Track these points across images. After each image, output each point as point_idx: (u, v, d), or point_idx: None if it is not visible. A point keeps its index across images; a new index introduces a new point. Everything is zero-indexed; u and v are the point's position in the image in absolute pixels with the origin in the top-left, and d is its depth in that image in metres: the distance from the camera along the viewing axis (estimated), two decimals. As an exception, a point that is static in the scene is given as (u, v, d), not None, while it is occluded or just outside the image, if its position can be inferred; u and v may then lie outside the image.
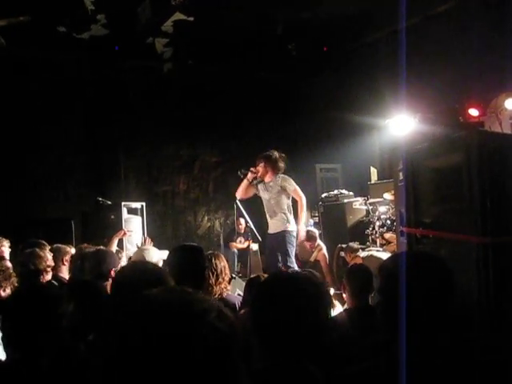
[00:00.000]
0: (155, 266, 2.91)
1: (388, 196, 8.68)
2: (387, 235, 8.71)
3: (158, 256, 4.87)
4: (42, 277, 4.51)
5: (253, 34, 10.05)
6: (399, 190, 5.32)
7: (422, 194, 4.75)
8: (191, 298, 1.13)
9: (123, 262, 6.34)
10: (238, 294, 5.10)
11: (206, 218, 12.91)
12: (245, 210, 8.62)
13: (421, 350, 1.96)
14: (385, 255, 7.64)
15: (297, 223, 7.58)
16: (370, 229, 8.91)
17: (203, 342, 1.05)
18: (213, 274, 4.15)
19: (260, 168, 7.53)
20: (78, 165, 11.31)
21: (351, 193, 10.26)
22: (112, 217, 9.38)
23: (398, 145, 8.07)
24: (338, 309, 4.62)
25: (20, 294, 3.04)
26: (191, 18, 9.00)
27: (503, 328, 3.71)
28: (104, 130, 11.52)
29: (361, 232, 9.26)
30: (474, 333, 3.49)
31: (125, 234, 7.62)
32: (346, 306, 4.56)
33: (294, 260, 7.53)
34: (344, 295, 4.40)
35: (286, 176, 7.64)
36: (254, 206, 8.42)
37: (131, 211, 9.75)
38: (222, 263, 4.31)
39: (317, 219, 10.94)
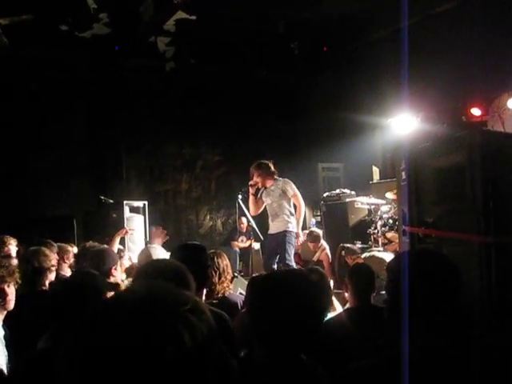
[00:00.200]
0: (176, 263, 2.90)
1: (390, 195, 8.68)
2: (389, 234, 8.71)
3: (163, 254, 4.87)
4: (45, 275, 4.50)
5: (255, 33, 10.05)
6: (401, 190, 5.31)
7: (424, 193, 4.75)
8: (165, 293, 1.04)
9: (126, 261, 6.36)
10: (240, 293, 5.10)
11: (208, 216, 12.91)
12: (246, 209, 8.64)
13: (423, 349, 1.96)
14: (386, 255, 7.65)
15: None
16: (372, 228, 8.91)
17: (175, 340, 0.95)
18: (215, 272, 4.15)
19: (257, 178, 7.78)
20: (80, 164, 11.30)
21: (353, 192, 10.25)
22: (114, 215, 9.40)
23: (401, 144, 8.05)
24: (338, 310, 4.63)
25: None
26: (193, 17, 9.00)
27: (505, 327, 3.71)
28: (106, 128, 11.53)
29: (363, 231, 9.27)
30: (476, 331, 3.49)
31: (127, 232, 7.63)
32: (347, 306, 4.57)
33: (292, 259, 7.67)
34: (346, 294, 4.40)
35: (288, 180, 7.91)
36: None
37: (133, 210, 9.76)
38: (225, 262, 4.32)
39: (319, 218, 10.95)
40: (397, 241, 7.67)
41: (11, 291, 3.56)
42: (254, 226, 8.92)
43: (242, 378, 2.15)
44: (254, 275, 5.36)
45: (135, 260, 6.73)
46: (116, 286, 4.93)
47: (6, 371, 3.20)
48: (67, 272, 5.51)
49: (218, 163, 12.92)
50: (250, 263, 9.13)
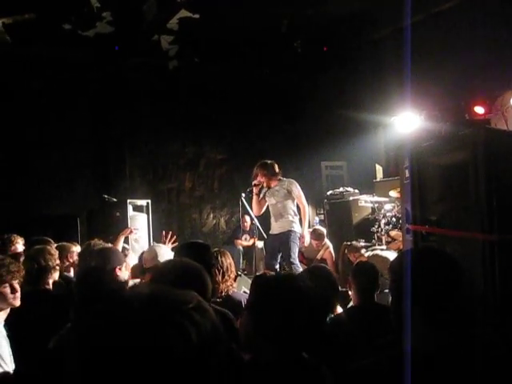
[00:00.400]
0: (192, 262, 2.91)
1: (394, 193, 8.68)
2: (393, 233, 8.71)
3: (169, 254, 4.87)
4: (49, 274, 4.51)
5: (258, 32, 10.04)
6: (405, 188, 5.31)
7: (427, 191, 4.75)
8: (169, 293, 1.06)
9: (130, 260, 6.36)
10: (244, 292, 5.11)
11: (212, 215, 12.92)
12: (250, 208, 8.64)
13: (426, 347, 1.97)
14: (389, 254, 7.66)
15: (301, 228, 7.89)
16: (376, 226, 8.91)
17: (182, 337, 0.97)
18: (219, 271, 4.16)
19: (261, 178, 7.78)
20: (84, 162, 11.32)
21: (356, 190, 10.26)
22: (117, 214, 9.40)
23: (404, 142, 8.05)
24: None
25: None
26: (197, 16, 9.00)
27: (508, 325, 3.71)
28: (109, 127, 11.54)
29: (366, 230, 9.27)
30: (479, 329, 3.49)
31: (131, 231, 7.64)
32: (351, 304, 4.58)
33: (296, 257, 7.69)
34: (350, 293, 4.41)
35: (293, 180, 7.93)
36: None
37: (137, 209, 9.76)
38: (228, 260, 4.33)
39: (322, 217, 10.95)
40: (400, 239, 7.67)
41: (5, 292, 3.55)
42: (258, 224, 8.91)
43: (246, 376, 2.16)
44: (257, 274, 5.37)
45: (136, 260, 6.72)
46: (124, 283, 4.96)
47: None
48: (70, 271, 5.52)
49: (221, 162, 12.92)
50: (253, 261, 9.12)
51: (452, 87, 8.79)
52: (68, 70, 10.53)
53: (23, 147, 10.44)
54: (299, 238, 7.79)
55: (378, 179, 10.97)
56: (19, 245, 6.16)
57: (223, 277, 4.20)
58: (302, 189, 8.02)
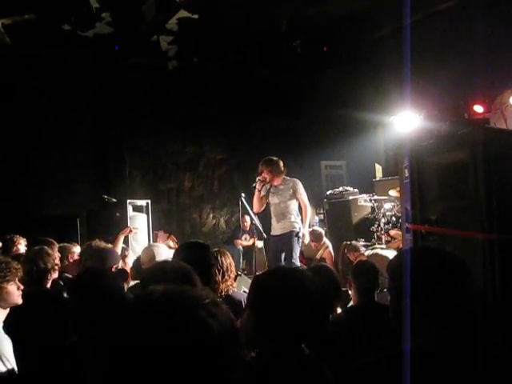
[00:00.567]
0: (182, 264, 2.92)
1: (393, 193, 8.68)
2: (392, 232, 8.72)
3: (166, 254, 4.87)
4: (49, 275, 4.52)
5: (257, 31, 10.05)
6: (404, 187, 5.32)
7: (427, 190, 4.76)
8: (186, 290, 1.16)
9: (130, 259, 6.37)
10: (244, 291, 5.11)
11: (211, 215, 12.92)
12: (250, 208, 8.64)
13: (426, 346, 1.97)
14: (389, 253, 7.66)
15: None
16: (376, 226, 8.92)
17: (204, 328, 1.07)
18: (219, 271, 4.16)
19: (266, 174, 7.62)
20: (83, 162, 11.32)
21: (356, 190, 10.26)
22: (117, 214, 9.40)
23: (403, 142, 8.04)
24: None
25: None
26: (196, 16, 9.00)
27: (508, 324, 3.71)
28: (109, 127, 11.55)
29: (366, 229, 9.27)
30: (478, 328, 3.49)
31: (131, 231, 7.65)
32: (351, 303, 4.58)
33: (298, 258, 7.62)
34: (350, 292, 4.42)
35: (297, 180, 7.80)
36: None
37: (136, 209, 9.76)
38: (228, 260, 4.32)
39: (322, 216, 10.95)
40: (400, 238, 7.68)
41: (12, 290, 3.56)
42: (258, 224, 8.91)
43: (247, 375, 2.16)
44: (257, 273, 5.37)
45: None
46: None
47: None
48: (72, 271, 5.52)
49: (220, 162, 12.93)
50: (253, 261, 9.11)
51: (451, 86, 8.79)
52: (68, 71, 10.53)
53: (23, 147, 10.45)
54: (301, 238, 7.69)
55: (377, 178, 10.98)
56: (21, 245, 6.17)
57: (223, 277, 4.20)
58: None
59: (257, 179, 7.71)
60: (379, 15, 9.55)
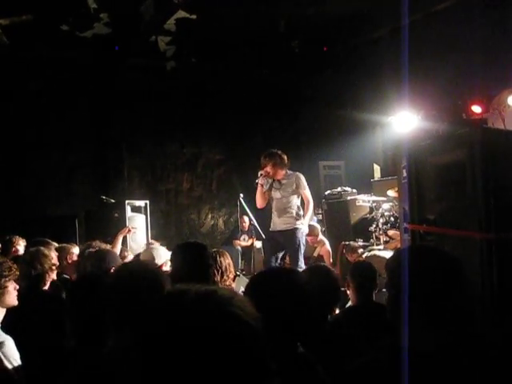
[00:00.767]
0: (152, 267, 2.89)
1: (391, 193, 8.68)
2: (391, 232, 8.71)
3: (166, 255, 4.87)
4: (47, 276, 4.51)
5: (255, 32, 10.05)
6: (403, 187, 5.32)
7: (425, 190, 4.76)
8: (215, 289, 1.25)
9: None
10: (243, 292, 5.10)
11: (210, 215, 12.92)
12: (248, 208, 8.63)
13: (424, 346, 1.97)
14: (388, 254, 7.65)
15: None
16: (374, 226, 8.91)
17: (236, 320, 1.17)
18: (218, 271, 4.16)
19: (269, 168, 7.36)
20: (82, 163, 11.33)
21: (354, 190, 10.26)
22: (116, 215, 9.39)
23: (401, 142, 8.06)
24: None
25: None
26: (194, 16, 9.01)
27: (507, 324, 3.72)
28: (107, 128, 11.55)
29: (364, 229, 9.26)
30: (477, 328, 3.50)
31: (129, 231, 7.64)
32: (349, 303, 4.58)
33: (302, 260, 7.36)
34: (348, 292, 4.42)
35: (301, 174, 7.57)
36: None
37: (135, 209, 9.76)
38: (227, 261, 4.32)
39: (320, 216, 10.95)
40: (398, 238, 7.67)
41: (11, 289, 3.57)
42: (256, 224, 8.91)
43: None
44: (256, 274, 5.36)
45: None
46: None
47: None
48: (71, 272, 5.52)
49: (219, 162, 12.93)
50: (251, 262, 9.15)
51: (449, 87, 8.80)
52: (66, 72, 10.53)
53: (22, 148, 10.45)
54: (305, 235, 7.49)
55: (375, 179, 10.98)
56: (20, 246, 6.15)
57: (222, 277, 4.20)
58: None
59: (259, 174, 7.44)
60: (377, 15, 9.56)
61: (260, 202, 7.62)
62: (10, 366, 3.10)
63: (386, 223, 8.74)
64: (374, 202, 9.25)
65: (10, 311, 3.57)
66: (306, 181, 7.60)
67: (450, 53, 8.78)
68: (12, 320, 3.55)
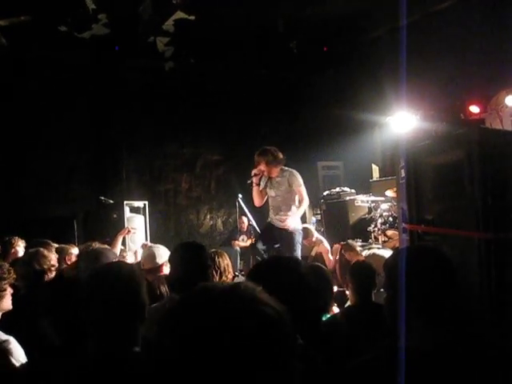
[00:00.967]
0: (129, 267, 2.87)
1: (390, 193, 8.69)
2: (389, 232, 8.73)
3: (167, 255, 4.86)
4: (46, 276, 4.51)
5: (254, 32, 10.06)
6: (401, 187, 5.33)
7: (423, 190, 4.77)
8: (239, 284, 1.26)
9: (128, 261, 6.37)
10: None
11: (209, 216, 12.92)
12: (247, 209, 8.63)
13: (423, 345, 1.98)
14: (387, 253, 7.65)
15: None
16: (373, 226, 8.92)
17: (261, 314, 1.17)
18: (216, 272, 4.17)
19: (262, 167, 7.24)
20: (80, 164, 11.32)
21: (353, 190, 10.26)
22: (114, 216, 9.40)
23: (400, 142, 8.07)
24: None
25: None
26: (192, 17, 9.02)
27: (505, 323, 3.72)
28: (106, 128, 11.54)
29: (363, 229, 9.28)
30: (475, 328, 3.50)
31: (129, 231, 7.63)
32: (348, 303, 4.59)
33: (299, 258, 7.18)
34: (347, 292, 4.43)
35: (295, 171, 7.39)
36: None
37: (134, 210, 9.77)
38: (226, 261, 4.33)
39: (319, 217, 10.95)
40: (397, 238, 7.68)
41: (9, 293, 3.57)
42: (255, 225, 8.93)
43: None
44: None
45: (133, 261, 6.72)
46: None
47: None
48: (70, 273, 5.51)
49: (217, 162, 12.93)
50: (250, 262, 9.11)
51: (447, 87, 8.82)
52: (65, 72, 10.52)
53: (21, 148, 10.43)
54: (301, 235, 7.36)
55: (374, 179, 10.99)
56: (20, 247, 6.14)
57: (220, 277, 4.21)
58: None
59: (252, 173, 7.33)
60: (376, 15, 9.57)
61: (257, 201, 7.55)
62: (17, 364, 3.12)
63: (384, 223, 8.76)
64: (372, 202, 9.26)
65: (8, 311, 3.58)
66: (305, 181, 7.49)
67: (448, 53, 8.79)
68: (10, 320, 3.55)
